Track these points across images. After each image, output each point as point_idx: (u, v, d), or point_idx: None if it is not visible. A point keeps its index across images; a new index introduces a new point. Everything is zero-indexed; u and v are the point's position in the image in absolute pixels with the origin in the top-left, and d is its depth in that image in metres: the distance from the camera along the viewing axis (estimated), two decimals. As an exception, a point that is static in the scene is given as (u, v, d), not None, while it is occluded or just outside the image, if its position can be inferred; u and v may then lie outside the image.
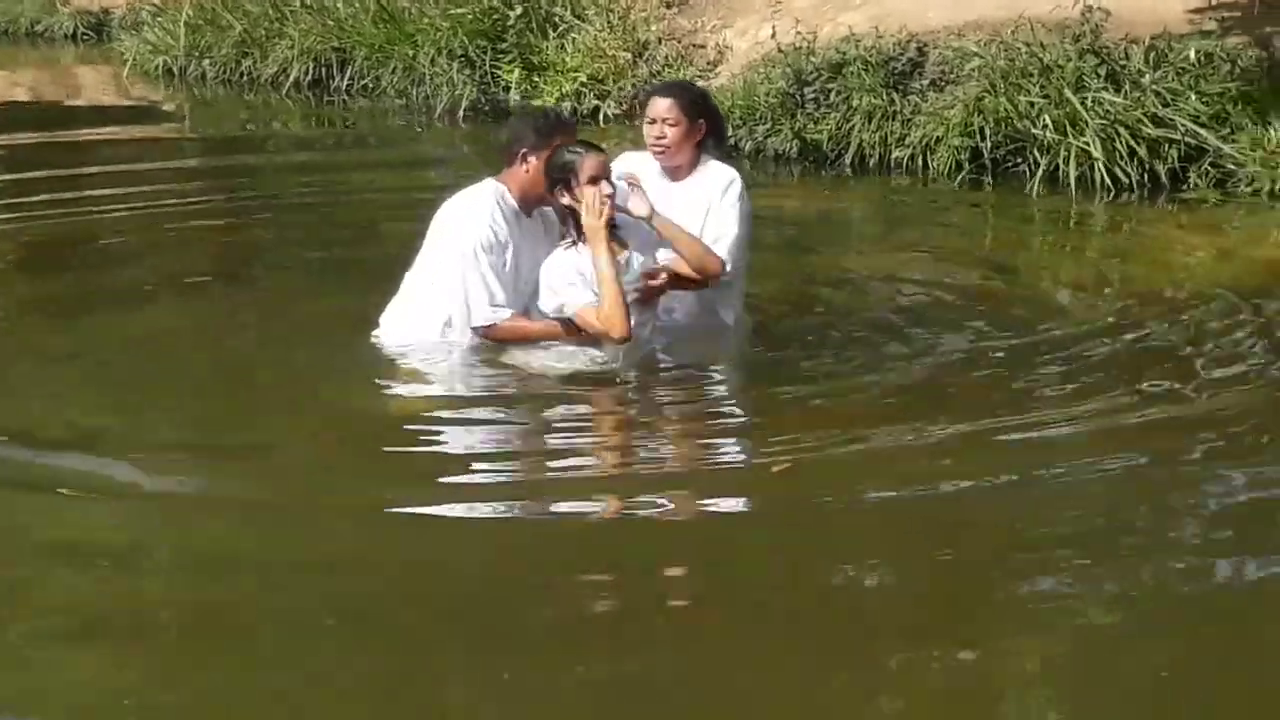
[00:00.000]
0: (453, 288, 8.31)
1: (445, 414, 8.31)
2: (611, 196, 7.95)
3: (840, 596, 6.05)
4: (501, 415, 8.31)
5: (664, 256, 8.51)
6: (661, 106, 8.50)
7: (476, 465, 7.90)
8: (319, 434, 7.94)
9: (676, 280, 8.41)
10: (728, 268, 8.41)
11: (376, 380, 8.48)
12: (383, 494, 7.09)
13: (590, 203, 7.80)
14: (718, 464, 7.70)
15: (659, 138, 8.45)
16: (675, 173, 8.50)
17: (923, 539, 6.74)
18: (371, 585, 6.16)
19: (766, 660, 5.76)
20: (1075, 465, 7.44)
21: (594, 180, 7.82)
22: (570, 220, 7.95)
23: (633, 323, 7.99)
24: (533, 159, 8.11)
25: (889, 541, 6.68)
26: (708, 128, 8.52)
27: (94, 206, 13.14)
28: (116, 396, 8.55)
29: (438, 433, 8.12)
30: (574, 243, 7.97)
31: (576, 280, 7.99)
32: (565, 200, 7.97)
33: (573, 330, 8.19)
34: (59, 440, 7.89)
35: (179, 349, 9.42)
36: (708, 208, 8.45)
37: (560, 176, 7.92)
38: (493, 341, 8.35)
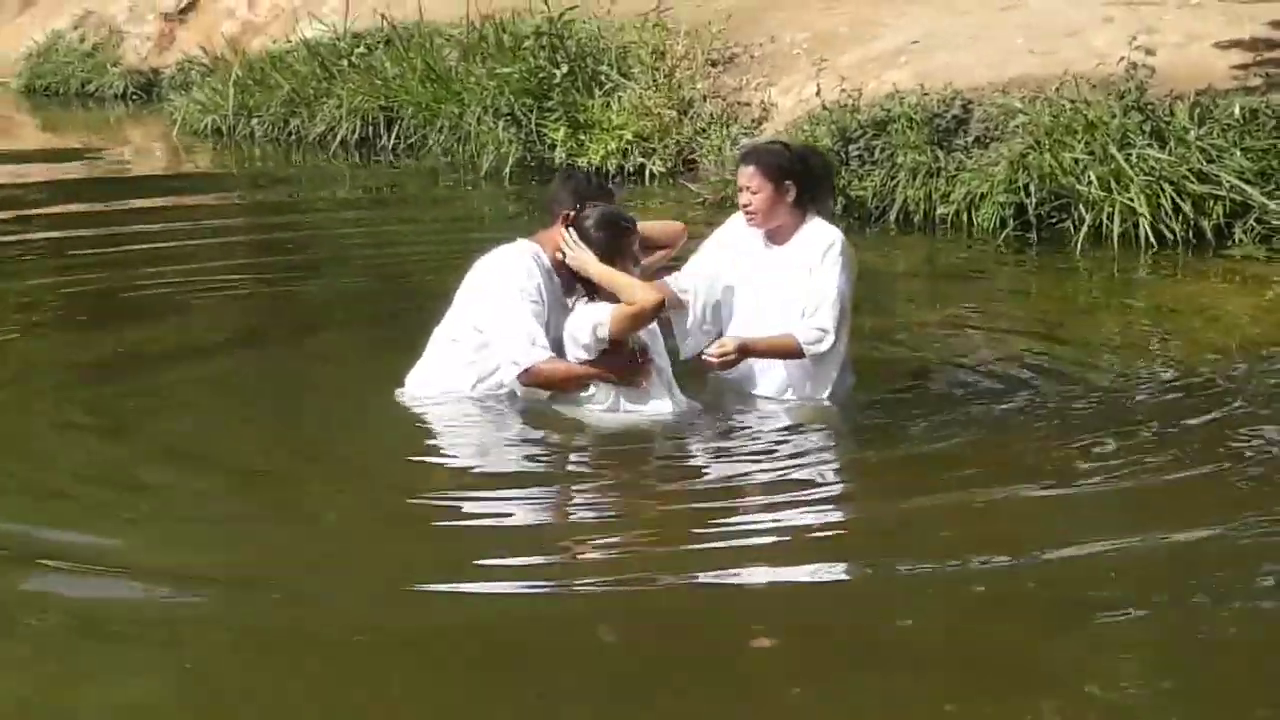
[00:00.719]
0: (491, 334, 8.33)
1: (480, 485, 8.09)
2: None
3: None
4: (540, 482, 8.16)
5: (761, 327, 8.52)
6: (745, 174, 8.54)
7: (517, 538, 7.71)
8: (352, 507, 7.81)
9: (765, 351, 8.45)
10: (825, 339, 8.40)
11: (407, 446, 8.39)
12: (414, 572, 6.89)
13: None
14: (768, 530, 7.41)
15: (745, 205, 8.50)
16: (776, 236, 8.54)
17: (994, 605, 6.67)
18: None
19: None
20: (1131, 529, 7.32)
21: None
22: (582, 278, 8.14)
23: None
24: None
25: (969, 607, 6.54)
26: (799, 188, 8.49)
27: (140, 265, 13.21)
28: (143, 466, 8.38)
29: (474, 506, 7.86)
30: (590, 298, 8.09)
31: (598, 328, 8.05)
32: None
33: (608, 367, 8.21)
34: (84, 510, 7.73)
35: (216, 414, 9.40)
36: (809, 270, 8.47)
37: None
38: (532, 385, 8.29)
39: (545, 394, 8.37)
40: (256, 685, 5.67)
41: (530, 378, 8.11)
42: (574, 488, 8.09)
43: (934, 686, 5.68)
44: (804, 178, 8.55)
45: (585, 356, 8.06)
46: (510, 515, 7.64)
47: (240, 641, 6.03)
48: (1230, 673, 6.05)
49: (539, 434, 8.39)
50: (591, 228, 8.07)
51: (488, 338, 8.37)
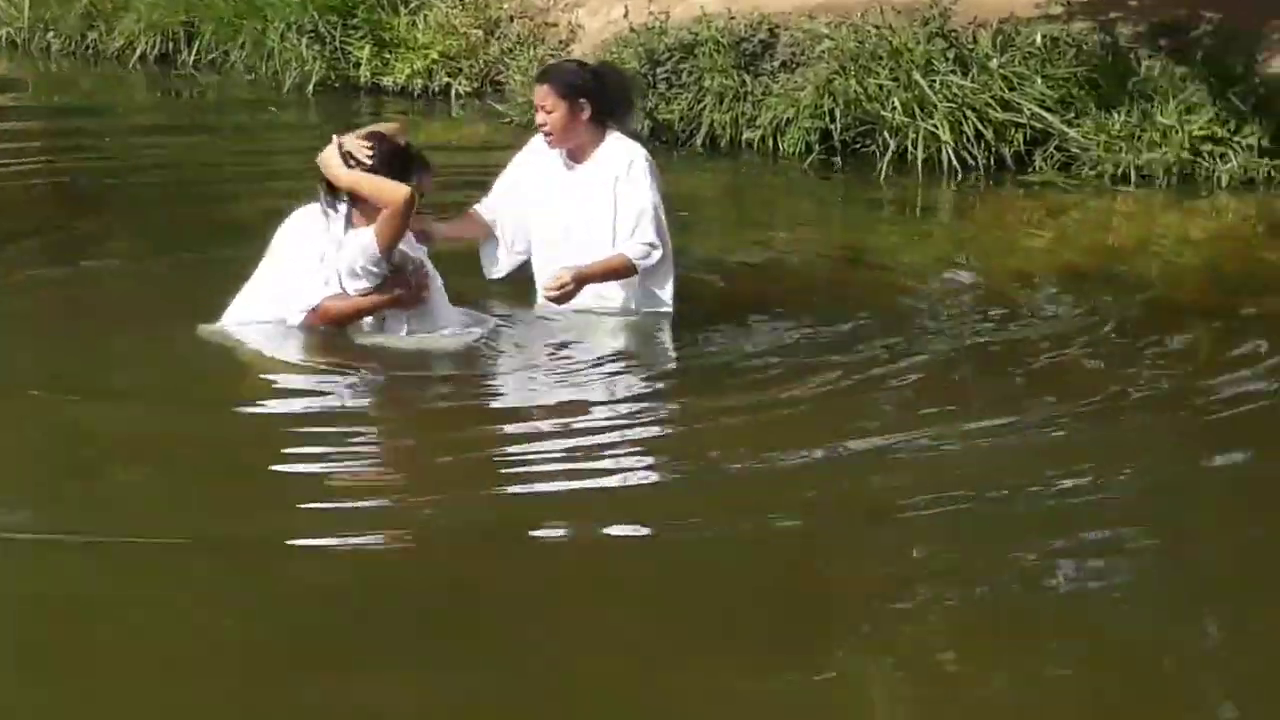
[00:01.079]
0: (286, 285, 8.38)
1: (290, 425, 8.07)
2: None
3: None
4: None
5: (567, 255, 8.62)
6: (540, 93, 8.68)
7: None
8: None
9: (601, 275, 8.52)
10: (655, 251, 8.55)
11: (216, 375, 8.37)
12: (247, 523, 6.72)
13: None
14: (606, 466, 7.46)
15: (541, 124, 8.65)
16: (576, 154, 8.67)
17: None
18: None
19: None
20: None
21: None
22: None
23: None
24: None
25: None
26: (594, 106, 8.60)
27: None
28: None
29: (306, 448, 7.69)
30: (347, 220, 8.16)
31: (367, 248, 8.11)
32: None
33: (390, 291, 8.21)
34: None
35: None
36: (612, 187, 8.59)
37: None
38: (322, 324, 8.32)
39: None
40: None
41: (318, 316, 8.18)
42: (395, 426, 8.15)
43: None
44: (599, 95, 8.70)
45: (367, 285, 8.12)
46: (321, 457, 7.50)
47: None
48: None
49: (338, 365, 8.39)
50: (380, 148, 8.13)
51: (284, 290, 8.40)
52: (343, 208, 8.15)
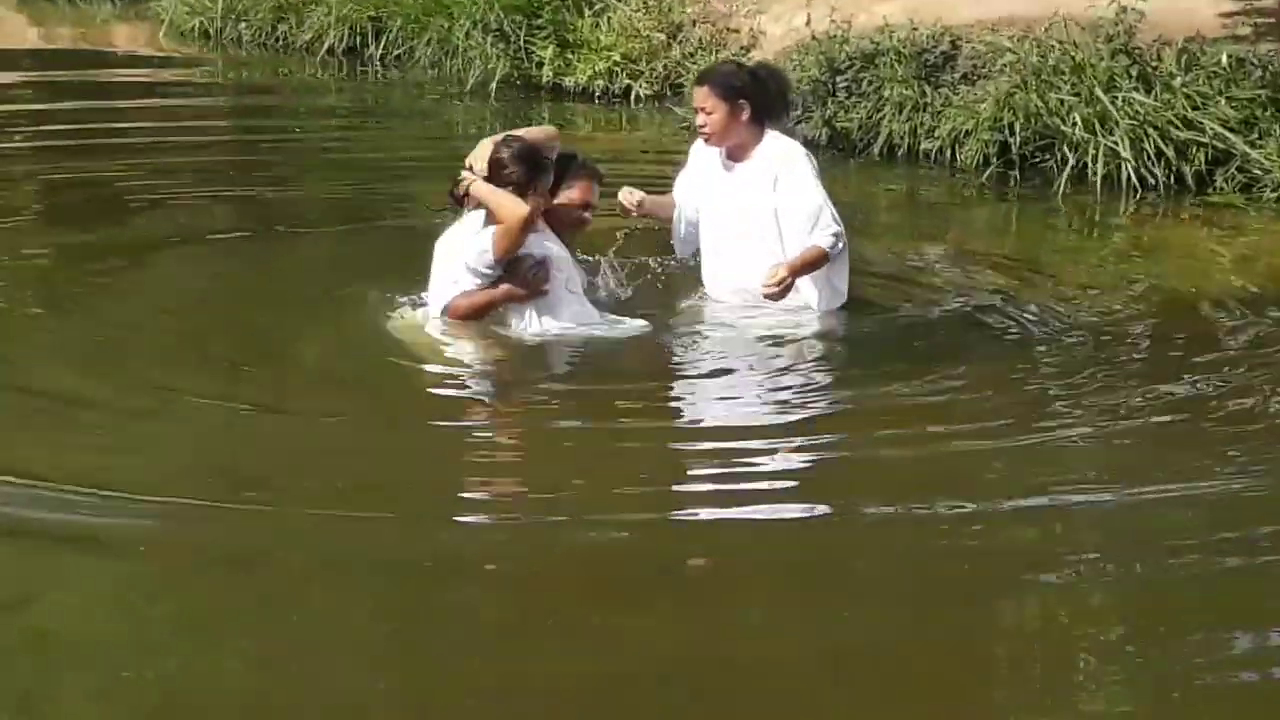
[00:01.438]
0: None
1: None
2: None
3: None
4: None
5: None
6: (700, 95, 8.76)
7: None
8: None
9: (803, 267, 8.53)
10: (840, 239, 8.58)
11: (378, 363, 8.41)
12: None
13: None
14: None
15: (701, 126, 8.70)
16: (736, 153, 8.70)
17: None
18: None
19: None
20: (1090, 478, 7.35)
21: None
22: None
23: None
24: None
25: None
26: (753, 105, 8.63)
27: (116, 162, 13.38)
28: (142, 369, 8.37)
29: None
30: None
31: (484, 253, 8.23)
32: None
33: (511, 287, 8.28)
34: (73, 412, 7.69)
35: (200, 314, 9.41)
36: (774, 181, 8.63)
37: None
38: (455, 319, 8.42)
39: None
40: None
41: (451, 313, 8.30)
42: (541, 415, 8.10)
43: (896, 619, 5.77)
44: (757, 95, 8.74)
45: (480, 283, 8.23)
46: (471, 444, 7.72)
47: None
48: (1179, 625, 6.07)
49: (465, 357, 8.51)
50: (509, 158, 8.10)
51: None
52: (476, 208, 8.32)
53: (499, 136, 8.39)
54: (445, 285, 8.28)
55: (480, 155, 8.22)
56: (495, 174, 8.13)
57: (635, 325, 8.62)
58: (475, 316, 8.34)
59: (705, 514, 7.05)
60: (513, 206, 8.02)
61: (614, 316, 8.62)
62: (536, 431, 7.91)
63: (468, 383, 8.34)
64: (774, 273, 8.40)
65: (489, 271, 8.15)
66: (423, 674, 5.53)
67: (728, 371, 8.49)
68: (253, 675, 5.18)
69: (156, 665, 5.22)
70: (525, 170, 8.06)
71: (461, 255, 8.24)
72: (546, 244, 8.27)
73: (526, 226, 8.07)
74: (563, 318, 8.31)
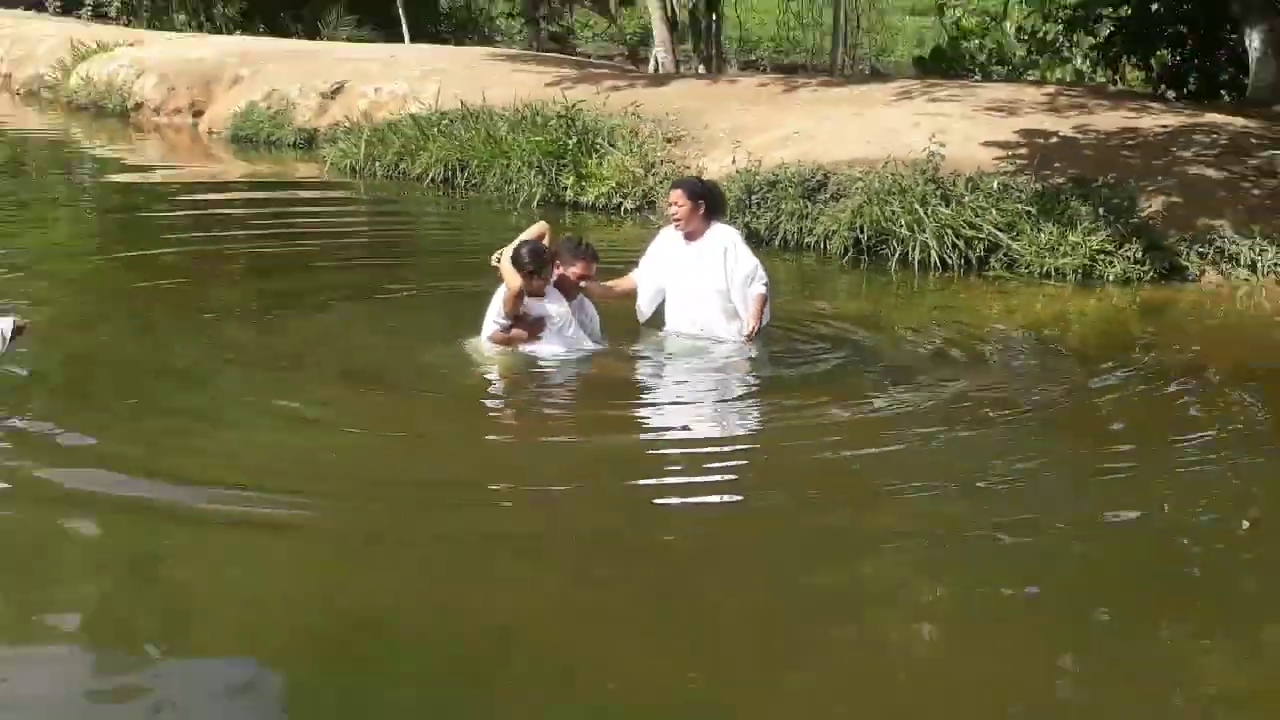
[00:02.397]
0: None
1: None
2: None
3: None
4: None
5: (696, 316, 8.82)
6: (674, 194, 8.85)
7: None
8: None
9: (758, 315, 8.72)
10: (766, 288, 8.77)
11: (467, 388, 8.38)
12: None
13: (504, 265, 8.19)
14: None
15: (674, 214, 8.80)
16: (690, 237, 8.77)
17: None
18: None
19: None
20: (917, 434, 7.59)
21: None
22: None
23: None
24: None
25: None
26: (707, 205, 8.78)
27: (292, 245, 13.32)
28: (302, 388, 8.28)
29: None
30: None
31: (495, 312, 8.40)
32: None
33: (519, 330, 8.33)
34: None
35: (343, 345, 9.37)
36: (723, 254, 8.70)
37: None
38: (494, 344, 8.42)
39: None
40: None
41: (490, 339, 8.35)
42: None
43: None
44: (709, 198, 8.89)
45: (496, 328, 8.33)
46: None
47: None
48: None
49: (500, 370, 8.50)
50: (525, 253, 8.15)
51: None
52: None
53: (522, 237, 8.38)
54: (488, 325, 8.36)
55: (509, 249, 8.23)
56: (516, 262, 8.17)
57: (603, 349, 8.62)
58: (503, 345, 8.40)
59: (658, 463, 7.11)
60: (510, 279, 8.15)
61: (593, 346, 8.57)
62: (541, 421, 7.95)
63: (499, 390, 8.46)
64: (750, 330, 8.67)
65: (503, 320, 8.29)
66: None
67: (682, 382, 8.66)
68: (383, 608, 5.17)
69: (303, 604, 5.23)
70: (532, 261, 8.15)
71: (492, 308, 8.35)
72: (546, 305, 8.34)
73: (518, 295, 8.18)
74: (556, 348, 8.37)
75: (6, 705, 4.49)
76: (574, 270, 8.44)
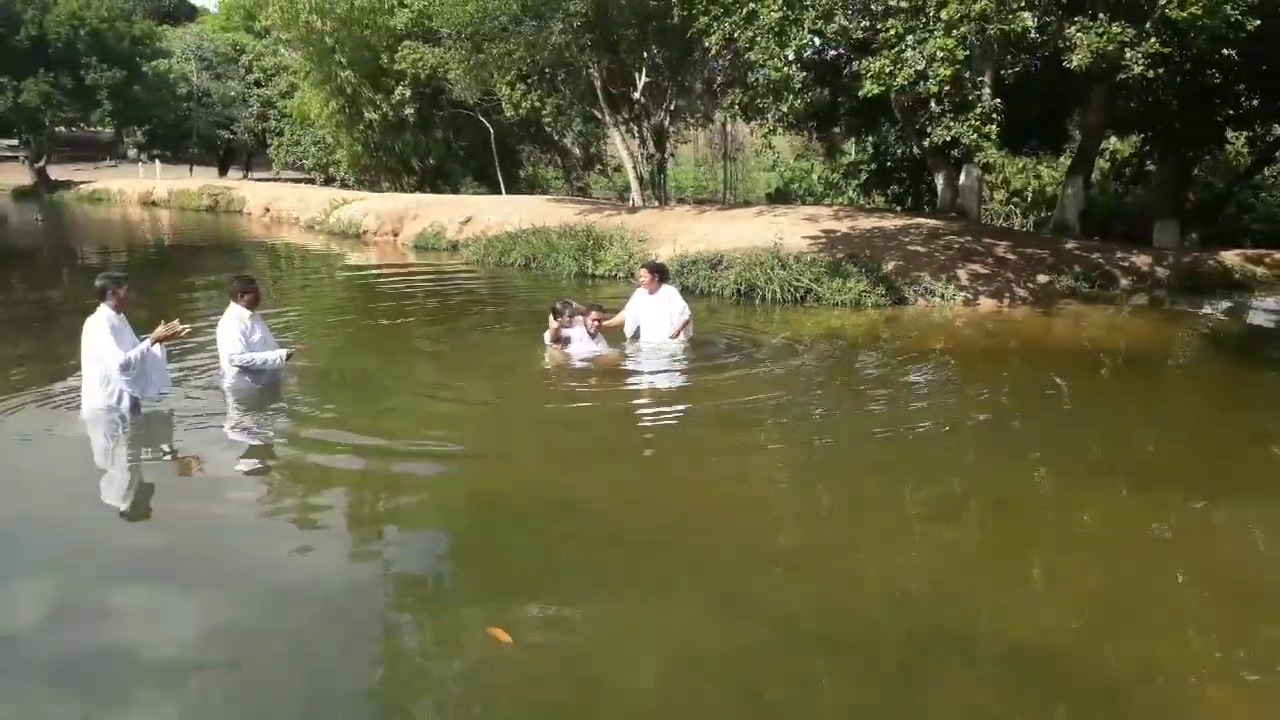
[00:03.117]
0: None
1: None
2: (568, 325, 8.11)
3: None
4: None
5: (658, 337, 8.56)
6: (643, 271, 8.91)
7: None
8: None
9: (681, 330, 8.48)
10: (688, 316, 8.62)
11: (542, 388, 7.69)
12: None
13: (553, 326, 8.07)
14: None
15: (645, 281, 8.83)
16: (651, 293, 8.76)
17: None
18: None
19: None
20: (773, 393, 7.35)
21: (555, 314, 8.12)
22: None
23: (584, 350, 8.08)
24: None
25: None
26: (660, 276, 8.86)
27: (438, 300, 12.55)
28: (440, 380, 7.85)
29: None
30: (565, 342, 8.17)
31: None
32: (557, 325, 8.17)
33: (562, 347, 8.08)
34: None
35: (466, 355, 9.03)
36: (669, 301, 8.70)
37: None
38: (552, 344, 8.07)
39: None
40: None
41: (549, 347, 8.12)
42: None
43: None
44: (662, 272, 8.92)
45: (547, 342, 8.18)
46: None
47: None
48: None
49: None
50: (554, 307, 8.16)
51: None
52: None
53: (560, 302, 8.29)
54: (547, 340, 8.19)
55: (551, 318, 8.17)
56: (553, 313, 8.22)
57: (606, 352, 8.28)
58: (556, 348, 8.14)
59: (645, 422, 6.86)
60: (551, 323, 8.17)
61: (602, 349, 8.22)
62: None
63: (554, 372, 7.98)
64: (673, 334, 8.50)
65: (552, 342, 8.16)
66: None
67: (649, 368, 8.23)
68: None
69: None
70: (554, 312, 8.21)
71: (547, 333, 8.18)
72: (570, 332, 8.17)
73: (553, 334, 8.15)
74: (581, 354, 8.09)
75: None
76: (591, 317, 8.31)
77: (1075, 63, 10.73)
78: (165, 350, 6.57)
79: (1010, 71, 15.51)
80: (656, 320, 8.71)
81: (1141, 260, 13.41)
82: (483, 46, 18.80)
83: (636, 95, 19.89)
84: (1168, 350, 9.61)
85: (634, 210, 18.45)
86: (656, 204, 20.09)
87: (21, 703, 3.28)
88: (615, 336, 8.75)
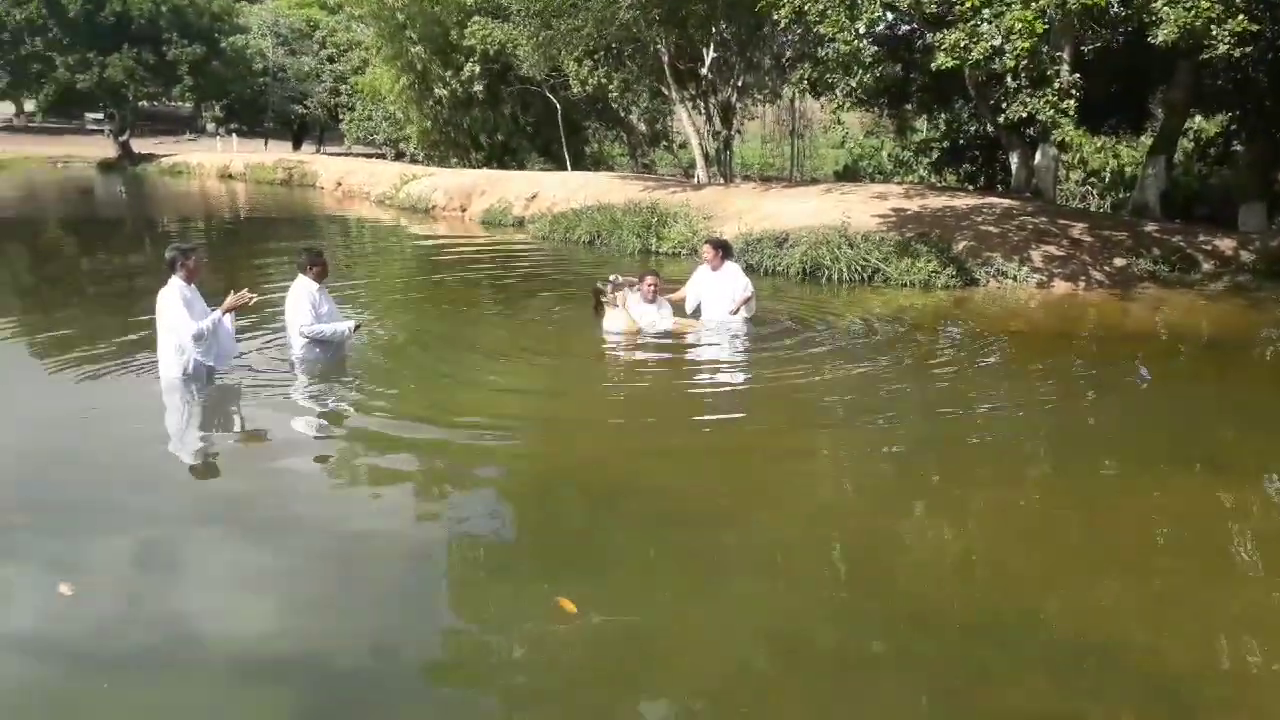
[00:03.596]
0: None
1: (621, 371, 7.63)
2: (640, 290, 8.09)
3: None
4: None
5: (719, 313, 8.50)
6: (706, 248, 8.86)
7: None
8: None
9: (741, 304, 8.39)
10: (751, 293, 8.54)
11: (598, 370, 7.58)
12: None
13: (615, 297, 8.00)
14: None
15: (707, 257, 8.80)
16: (717, 267, 8.73)
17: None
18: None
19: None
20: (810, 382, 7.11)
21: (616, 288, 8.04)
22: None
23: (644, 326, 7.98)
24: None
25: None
26: (724, 252, 8.82)
27: (516, 272, 13.11)
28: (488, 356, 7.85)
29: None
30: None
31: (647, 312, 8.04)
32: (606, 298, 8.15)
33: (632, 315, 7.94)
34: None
35: (516, 328, 9.03)
36: (733, 279, 8.67)
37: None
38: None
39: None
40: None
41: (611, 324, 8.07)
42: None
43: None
44: (726, 248, 8.86)
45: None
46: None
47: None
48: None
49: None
50: (604, 283, 8.08)
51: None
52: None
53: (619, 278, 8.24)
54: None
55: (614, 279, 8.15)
56: (596, 295, 8.25)
57: (671, 325, 8.25)
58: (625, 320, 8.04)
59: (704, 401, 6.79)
60: (606, 308, 8.14)
61: (668, 324, 8.18)
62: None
63: (614, 354, 7.86)
64: (734, 309, 8.47)
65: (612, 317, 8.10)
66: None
67: (709, 341, 8.18)
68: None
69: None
70: (598, 294, 8.25)
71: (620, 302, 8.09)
72: (633, 300, 8.10)
73: (600, 305, 8.17)
74: (654, 325, 8.10)
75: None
76: (646, 283, 8.26)
77: (1161, 38, 10.34)
78: (235, 319, 6.69)
79: (1091, 47, 15.04)
80: (719, 297, 8.66)
81: (1225, 244, 13.01)
82: (551, 23, 18.87)
83: (704, 71, 19.74)
84: (1250, 337, 9.39)
85: (699, 187, 18.34)
86: (722, 181, 19.89)
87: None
88: (675, 312, 8.68)
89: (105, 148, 44.99)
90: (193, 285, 6.33)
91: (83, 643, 3.47)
